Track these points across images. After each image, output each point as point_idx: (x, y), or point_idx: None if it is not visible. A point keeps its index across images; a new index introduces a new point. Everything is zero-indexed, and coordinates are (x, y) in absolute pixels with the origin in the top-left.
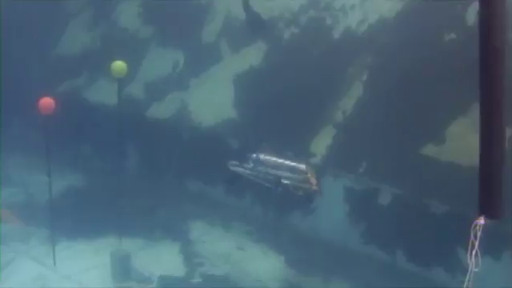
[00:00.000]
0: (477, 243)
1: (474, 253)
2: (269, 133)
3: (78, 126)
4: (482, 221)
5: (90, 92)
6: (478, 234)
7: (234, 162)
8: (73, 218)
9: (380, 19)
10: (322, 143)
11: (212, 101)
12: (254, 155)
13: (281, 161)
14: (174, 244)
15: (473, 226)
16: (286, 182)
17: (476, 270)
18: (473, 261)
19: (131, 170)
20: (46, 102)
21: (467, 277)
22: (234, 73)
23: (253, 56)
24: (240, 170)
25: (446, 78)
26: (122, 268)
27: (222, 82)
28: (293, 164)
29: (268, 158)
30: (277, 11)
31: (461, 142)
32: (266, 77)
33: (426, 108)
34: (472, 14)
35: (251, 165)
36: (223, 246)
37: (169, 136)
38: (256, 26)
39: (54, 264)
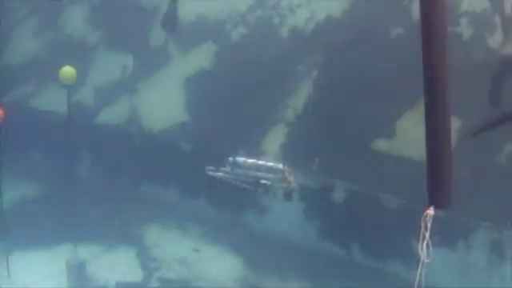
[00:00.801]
0: (427, 234)
1: (425, 244)
2: (221, 133)
3: (28, 134)
4: (431, 211)
5: (39, 99)
6: (429, 224)
7: (211, 167)
8: (26, 228)
9: (327, 17)
10: (274, 142)
11: (163, 104)
12: (231, 158)
13: (258, 162)
14: (129, 249)
15: (423, 217)
16: (265, 182)
17: (428, 260)
18: (424, 252)
19: (84, 176)
20: None
21: (419, 268)
22: (183, 75)
23: (202, 57)
24: (218, 174)
25: (394, 72)
26: (78, 276)
27: (172, 84)
28: (270, 164)
29: (245, 159)
30: (225, 11)
31: (411, 135)
32: (215, 78)
33: (376, 103)
34: (418, 9)
35: (229, 168)
36: (179, 249)
37: (121, 141)
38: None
39: (8, 275)
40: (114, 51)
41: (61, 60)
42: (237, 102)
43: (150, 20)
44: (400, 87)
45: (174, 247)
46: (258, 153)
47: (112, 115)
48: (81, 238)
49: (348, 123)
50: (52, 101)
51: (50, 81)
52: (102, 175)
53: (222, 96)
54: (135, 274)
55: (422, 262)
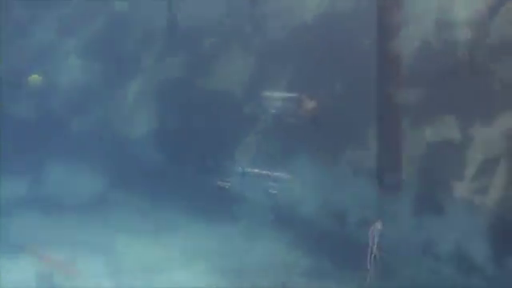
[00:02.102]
0: (374, 247)
1: (372, 256)
2: (193, 142)
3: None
4: (378, 225)
5: (10, 106)
6: (376, 238)
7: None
8: None
9: (301, 25)
10: (245, 151)
11: (134, 112)
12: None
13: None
14: (99, 257)
15: (370, 231)
16: (273, 191)
17: (373, 272)
18: (371, 263)
19: (55, 183)
20: None
21: (367, 278)
22: (155, 83)
23: (174, 66)
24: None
25: (370, 81)
26: (46, 285)
27: (144, 92)
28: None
29: (253, 170)
30: (197, 20)
31: None
32: (187, 86)
33: (350, 113)
34: None
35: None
36: (150, 258)
37: (92, 148)
38: None
39: None
40: (86, 59)
41: (32, 67)
42: (208, 111)
43: (122, 28)
44: (375, 96)
45: (145, 255)
46: (230, 162)
47: (83, 123)
48: (49, 246)
49: (320, 133)
50: (24, 108)
51: (21, 88)
52: (73, 182)
53: (194, 104)
54: (105, 283)
55: (369, 273)
